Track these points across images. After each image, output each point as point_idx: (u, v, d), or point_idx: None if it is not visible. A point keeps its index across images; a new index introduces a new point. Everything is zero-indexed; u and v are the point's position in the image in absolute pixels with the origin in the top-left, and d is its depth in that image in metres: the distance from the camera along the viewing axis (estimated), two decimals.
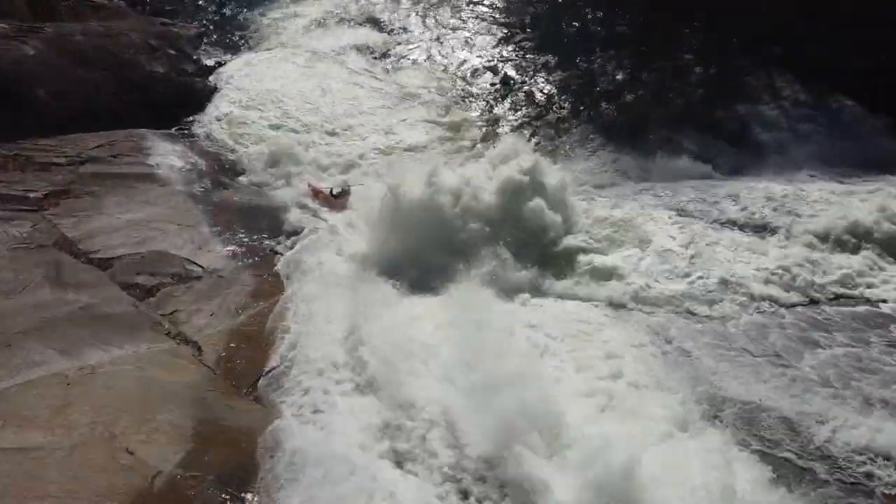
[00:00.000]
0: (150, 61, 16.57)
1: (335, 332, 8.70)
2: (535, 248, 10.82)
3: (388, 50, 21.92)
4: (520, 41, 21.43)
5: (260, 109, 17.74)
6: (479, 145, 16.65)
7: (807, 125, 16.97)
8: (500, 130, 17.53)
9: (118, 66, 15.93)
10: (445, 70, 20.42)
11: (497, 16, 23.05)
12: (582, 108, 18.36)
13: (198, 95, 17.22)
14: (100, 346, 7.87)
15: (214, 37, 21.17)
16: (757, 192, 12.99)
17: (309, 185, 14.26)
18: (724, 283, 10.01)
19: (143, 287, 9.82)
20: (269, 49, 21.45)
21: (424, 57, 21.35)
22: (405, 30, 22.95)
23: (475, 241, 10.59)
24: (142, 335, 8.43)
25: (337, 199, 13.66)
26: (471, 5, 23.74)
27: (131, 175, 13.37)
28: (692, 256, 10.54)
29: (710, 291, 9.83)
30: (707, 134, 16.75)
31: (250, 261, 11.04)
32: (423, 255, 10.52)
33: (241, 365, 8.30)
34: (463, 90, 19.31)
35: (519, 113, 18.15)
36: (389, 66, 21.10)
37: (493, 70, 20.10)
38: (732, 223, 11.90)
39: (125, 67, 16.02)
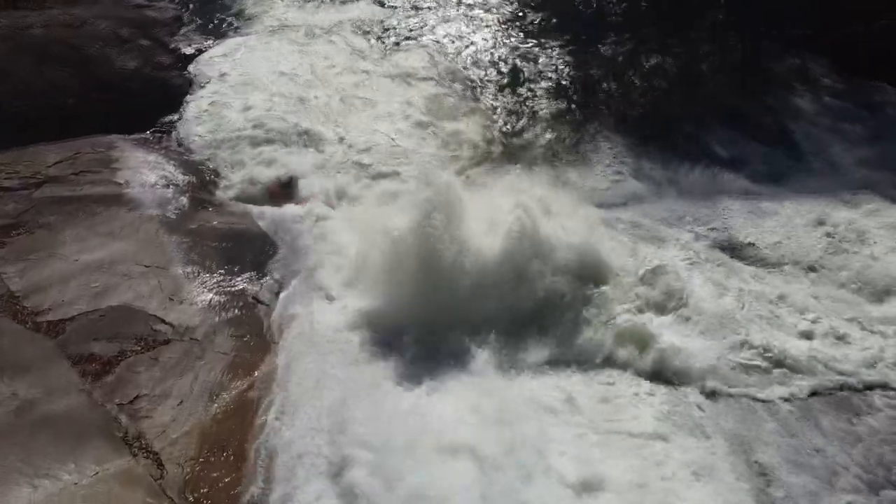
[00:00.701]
0: (120, 55, 14.52)
1: (325, 448, 6.95)
2: (557, 314, 8.95)
3: (389, 28, 19.77)
4: (530, 21, 19.31)
5: (242, 104, 15.72)
6: (481, 150, 14.70)
7: (849, 120, 15.09)
8: (506, 129, 15.56)
9: (83, 62, 13.91)
10: (449, 53, 18.34)
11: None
12: (597, 102, 16.38)
13: (175, 91, 15.24)
14: (29, 478, 6.15)
15: (195, 19, 18.99)
16: (805, 214, 11.19)
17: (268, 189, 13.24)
18: (787, 355, 8.23)
19: (100, 359, 8.10)
20: (255, 31, 19.25)
21: (427, 37, 19.21)
22: (407, 6, 20.69)
23: (481, 303, 8.75)
24: (90, 446, 6.74)
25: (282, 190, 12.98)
26: None
27: (96, 197, 11.51)
28: (742, 319, 8.74)
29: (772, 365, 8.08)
30: (736, 131, 14.85)
31: (230, 314, 9.32)
32: (424, 319, 8.69)
33: (212, 494, 6.59)
34: (467, 78, 17.26)
35: (528, 108, 16.12)
36: (389, 48, 18.94)
37: (501, 56, 18.05)
38: (785, 264, 10.07)
39: (91, 63, 14.00)
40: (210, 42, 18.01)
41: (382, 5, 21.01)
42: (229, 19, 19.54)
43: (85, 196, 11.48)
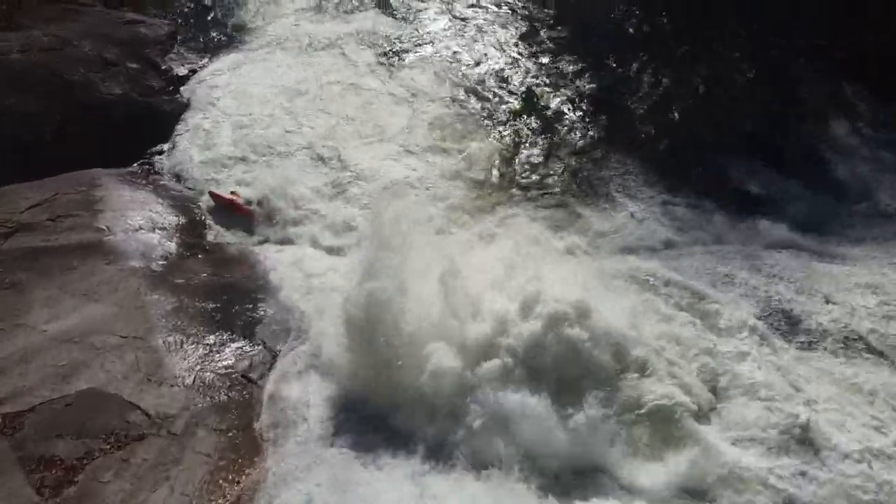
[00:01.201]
0: (106, 80, 13.29)
1: None
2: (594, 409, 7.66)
3: (396, 41, 18.43)
4: (545, 38, 17.97)
5: (236, 130, 14.55)
6: (488, 182, 13.47)
7: (890, 149, 13.74)
8: (517, 158, 14.30)
9: (65, 88, 12.70)
10: (458, 71, 17.00)
11: (520, 4, 19.35)
12: (617, 129, 15.08)
13: (165, 118, 14.04)
14: None
15: (191, 34, 17.72)
16: (855, 278, 9.90)
17: (211, 194, 12.40)
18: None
19: (62, 464, 6.95)
20: (254, 45, 17.95)
21: (435, 53, 17.90)
22: (416, 17, 19.43)
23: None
24: None
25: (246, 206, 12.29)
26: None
27: (73, 247, 10.34)
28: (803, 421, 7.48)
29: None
30: (772, 167, 13.58)
31: (215, 398, 8.15)
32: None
33: None
34: (477, 101, 15.98)
35: (542, 135, 14.84)
36: (395, 62, 17.62)
37: (513, 76, 16.73)
38: (835, 344, 8.80)
39: (74, 90, 12.79)
40: (205, 60, 16.76)
41: (392, 16, 19.60)
42: (227, 34, 18.27)
43: (61, 247, 10.28)
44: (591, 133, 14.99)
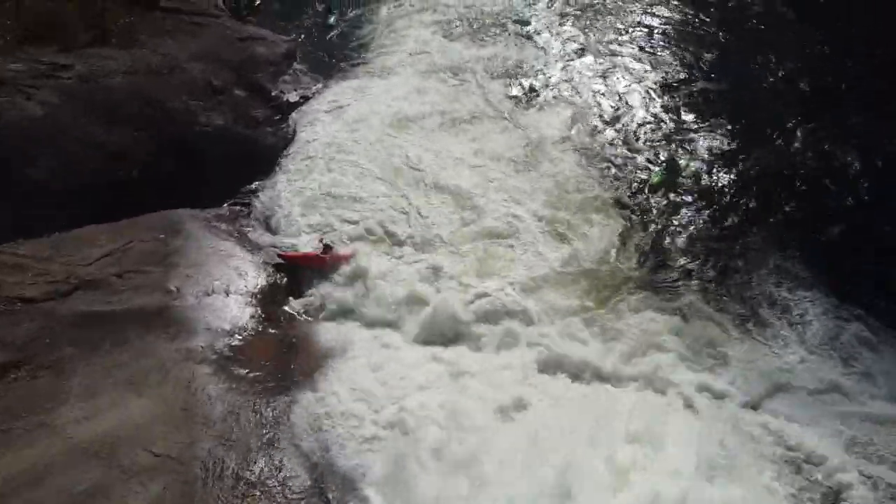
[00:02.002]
0: (207, 110, 12.03)
1: None
2: None
3: (529, 72, 16.22)
4: (697, 91, 15.18)
5: (338, 172, 12.88)
6: (607, 273, 11.03)
7: None
8: (647, 243, 11.73)
9: (161, 120, 11.54)
10: (593, 123, 14.57)
11: (671, 46, 16.64)
12: (776, 218, 12.21)
13: (265, 153, 12.70)
14: None
15: (310, 54, 16.35)
16: None
17: (280, 257, 10.85)
18: None
19: None
20: (374, 68, 16.23)
21: (570, 94, 15.51)
22: (556, 48, 17.04)
23: None
24: None
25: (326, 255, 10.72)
26: (639, 28, 17.31)
27: (134, 314, 9.04)
28: None
29: None
30: None
31: None
32: None
33: None
34: (608, 159, 13.51)
35: (681, 217, 12.18)
36: (525, 99, 15.39)
37: (655, 136, 14.14)
38: None
39: (170, 122, 11.60)
40: (320, 85, 15.26)
41: (531, 44, 17.28)
42: (348, 53, 16.71)
43: (122, 313, 8.98)
44: (740, 219, 12.21)
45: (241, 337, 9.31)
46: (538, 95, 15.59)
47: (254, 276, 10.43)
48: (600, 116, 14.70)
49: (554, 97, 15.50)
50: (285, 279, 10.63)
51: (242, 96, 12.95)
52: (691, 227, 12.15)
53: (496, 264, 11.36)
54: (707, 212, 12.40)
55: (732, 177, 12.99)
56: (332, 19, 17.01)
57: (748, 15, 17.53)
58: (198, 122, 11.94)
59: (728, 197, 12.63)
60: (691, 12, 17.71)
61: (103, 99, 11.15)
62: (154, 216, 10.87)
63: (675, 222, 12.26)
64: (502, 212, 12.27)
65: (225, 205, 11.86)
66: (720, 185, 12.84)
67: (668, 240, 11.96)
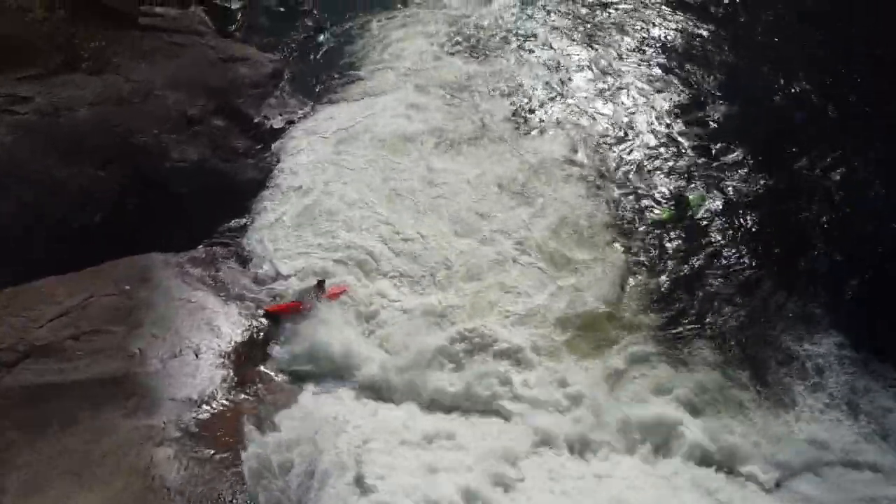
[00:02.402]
0: (182, 142, 11.04)
1: None
2: None
3: (532, 93, 15.13)
4: (709, 116, 14.15)
5: (328, 209, 11.80)
6: (612, 325, 10.09)
7: None
8: (655, 289, 10.75)
9: (130, 156, 10.52)
10: (599, 146, 13.64)
11: (678, 64, 15.59)
12: (798, 260, 11.29)
13: (245, 187, 11.73)
14: None
15: (298, 73, 15.24)
16: None
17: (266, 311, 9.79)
18: None
19: None
20: (367, 88, 15.12)
21: (575, 116, 14.51)
22: (561, 65, 15.94)
23: None
24: None
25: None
26: (644, 44, 16.25)
27: (89, 385, 8.08)
28: None
29: None
30: None
31: None
32: None
33: None
34: (614, 195, 12.47)
35: (691, 264, 11.21)
36: (526, 120, 14.35)
37: (663, 166, 13.11)
38: None
39: (140, 157, 10.62)
40: (307, 108, 14.19)
41: (535, 59, 16.21)
42: (339, 73, 15.56)
43: (75, 384, 7.99)
44: (755, 260, 11.19)
45: (210, 408, 8.31)
46: (540, 116, 14.58)
47: (228, 331, 9.41)
48: (605, 142, 13.68)
49: (556, 119, 14.50)
50: (262, 334, 9.61)
51: (221, 125, 11.90)
52: (701, 269, 11.19)
53: (489, 305, 10.41)
54: (718, 252, 11.41)
55: (745, 213, 12.01)
56: (322, 37, 15.90)
57: (757, 29, 16.48)
58: (170, 157, 10.91)
59: (740, 236, 11.66)
60: (698, 27, 16.67)
61: (66, 134, 10.14)
62: (120, 263, 9.86)
63: (684, 263, 11.31)
64: (499, 247, 11.32)
65: (201, 246, 10.81)
66: (732, 222, 11.85)
67: (675, 282, 11.02)
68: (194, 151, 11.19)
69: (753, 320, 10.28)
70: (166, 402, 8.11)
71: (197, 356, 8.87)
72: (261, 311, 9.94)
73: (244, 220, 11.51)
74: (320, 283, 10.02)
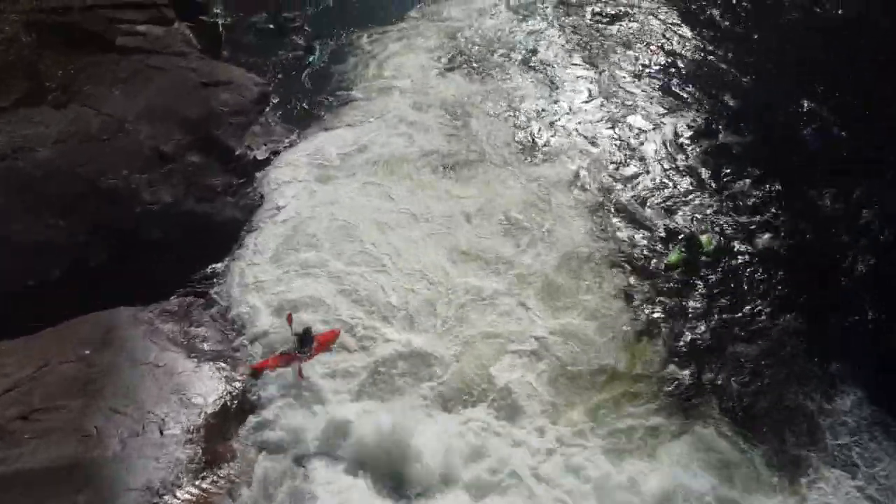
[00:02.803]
0: (154, 183, 10.09)
1: None
2: None
3: (535, 114, 14.15)
4: (723, 146, 13.17)
5: (314, 251, 10.80)
6: (615, 387, 9.19)
7: None
8: (664, 345, 9.80)
9: (95, 200, 9.55)
10: (604, 179, 12.61)
11: (689, 86, 14.56)
12: (824, 311, 10.26)
13: (225, 230, 10.75)
14: None
15: (286, 97, 14.20)
16: None
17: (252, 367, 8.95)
18: None
19: None
20: (361, 111, 14.14)
21: (581, 142, 13.49)
22: (566, 84, 14.88)
23: None
24: None
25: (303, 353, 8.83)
26: (652, 65, 15.23)
27: (34, 477, 7.09)
28: None
29: None
30: None
31: None
32: None
33: None
34: (620, 231, 11.51)
35: (702, 314, 10.27)
36: (529, 145, 13.38)
37: (673, 200, 12.11)
38: None
39: (106, 202, 9.64)
40: (294, 136, 13.20)
41: (538, 78, 15.11)
42: (329, 96, 14.52)
43: (19, 474, 7.06)
44: (770, 310, 10.20)
45: (176, 498, 7.32)
46: (543, 140, 13.60)
47: (199, 400, 8.50)
48: (611, 172, 12.67)
49: (560, 144, 13.50)
50: (237, 402, 8.63)
51: (197, 161, 10.91)
52: (712, 320, 10.18)
53: (485, 358, 9.45)
54: (730, 301, 10.43)
55: (760, 256, 10.97)
56: (312, 57, 14.86)
57: (771, 46, 15.40)
58: (141, 200, 9.94)
59: (755, 282, 10.62)
60: (708, 44, 15.63)
61: (24, 180, 9.14)
62: (83, 322, 8.93)
63: (693, 312, 10.30)
64: (497, 286, 10.33)
65: (174, 297, 9.85)
66: (746, 267, 10.83)
67: (684, 335, 10.03)
68: (168, 192, 10.21)
69: (770, 380, 9.32)
70: (123, 494, 7.16)
71: (162, 433, 7.93)
72: (240, 371, 8.98)
73: (222, 265, 10.55)
74: (306, 332, 8.99)
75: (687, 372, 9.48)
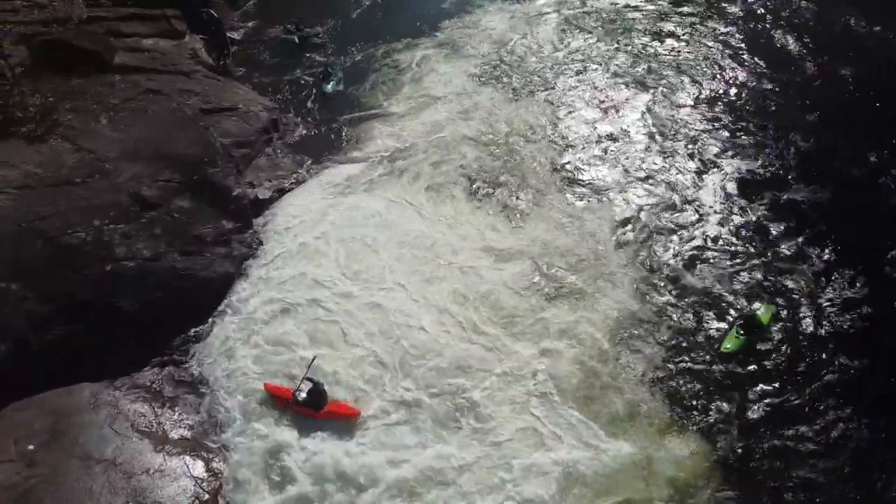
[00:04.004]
0: (130, 236, 8.59)
1: None
2: None
3: (572, 149, 12.19)
4: (785, 193, 11.14)
5: (311, 319, 9.25)
6: None
7: None
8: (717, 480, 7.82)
9: (57, 260, 8.01)
10: (651, 232, 10.70)
11: (753, 126, 12.49)
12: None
13: (211, 287, 9.28)
14: None
15: (300, 117, 12.69)
16: None
17: (266, 388, 8.20)
18: None
19: None
20: (380, 145, 12.34)
21: (624, 183, 11.58)
22: (605, 111, 13.02)
23: None
24: None
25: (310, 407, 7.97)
26: (713, 96, 13.14)
27: None
28: None
29: None
30: None
31: None
32: None
33: None
34: (663, 314, 9.49)
35: (768, 423, 8.32)
36: (568, 181, 11.50)
37: (730, 266, 9.98)
38: None
39: (70, 262, 8.09)
40: (303, 172, 11.62)
41: (577, 91, 13.36)
42: (347, 125, 12.76)
43: None
44: (842, 409, 8.18)
45: None
46: (589, 175, 11.58)
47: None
48: (659, 223, 10.78)
49: (607, 180, 11.54)
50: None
51: (186, 207, 9.35)
52: (778, 426, 8.21)
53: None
54: (798, 399, 8.41)
55: (841, 333, 8.89)
56: (328, 87, 13.08)
57: (846, 83, 13.08)
58: (113, 257, 8.42)
59: (824, 373, 8.58)
60: (773, 76, 13.45)
61: None
62: (33, 405, 7.48)
63: (755, 415, 8.35)
64: (527, 370, 8.54)
65: (147, 368, 8.34)
66: (823, 345, 8.78)
67: (748, 444, 8.09)
68: (147, 245, 8.68)
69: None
70: None
71: None
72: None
73: (205, 327, 9.02)
74: (319, 393, 7.84)
75: (748, 482, 7.60)
